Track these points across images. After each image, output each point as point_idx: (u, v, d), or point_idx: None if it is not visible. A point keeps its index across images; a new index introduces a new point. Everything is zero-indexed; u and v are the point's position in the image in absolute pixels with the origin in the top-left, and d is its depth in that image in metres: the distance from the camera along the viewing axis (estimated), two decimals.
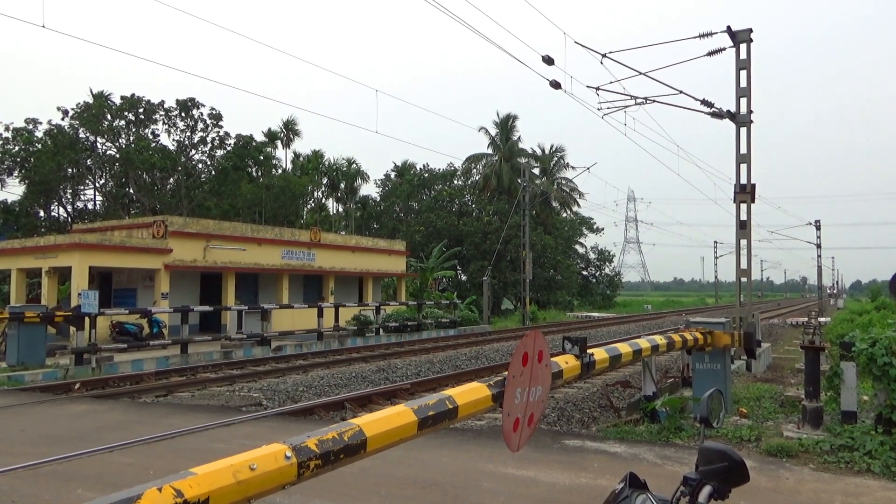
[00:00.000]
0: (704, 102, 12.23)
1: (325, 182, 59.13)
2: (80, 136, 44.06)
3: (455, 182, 55.84)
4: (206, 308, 21.26)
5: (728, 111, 11.55)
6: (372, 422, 2.53)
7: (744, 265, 11.32)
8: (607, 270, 67.59)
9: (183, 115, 46.43)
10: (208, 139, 47.85)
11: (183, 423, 8.30)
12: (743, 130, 11.20)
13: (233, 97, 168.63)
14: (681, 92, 12.67)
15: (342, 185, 59.32)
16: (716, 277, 78.51)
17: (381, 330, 25.25)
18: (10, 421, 8.75)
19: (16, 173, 42.88)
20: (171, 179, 47.93)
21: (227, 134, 48.36)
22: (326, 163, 58.92)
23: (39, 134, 43.05)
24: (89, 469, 6.14)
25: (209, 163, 49.06)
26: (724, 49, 11.82)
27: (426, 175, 58.24)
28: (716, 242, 69.54)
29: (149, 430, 7.71)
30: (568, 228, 57.40)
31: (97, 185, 47.22)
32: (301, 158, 58.71)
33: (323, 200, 61.43)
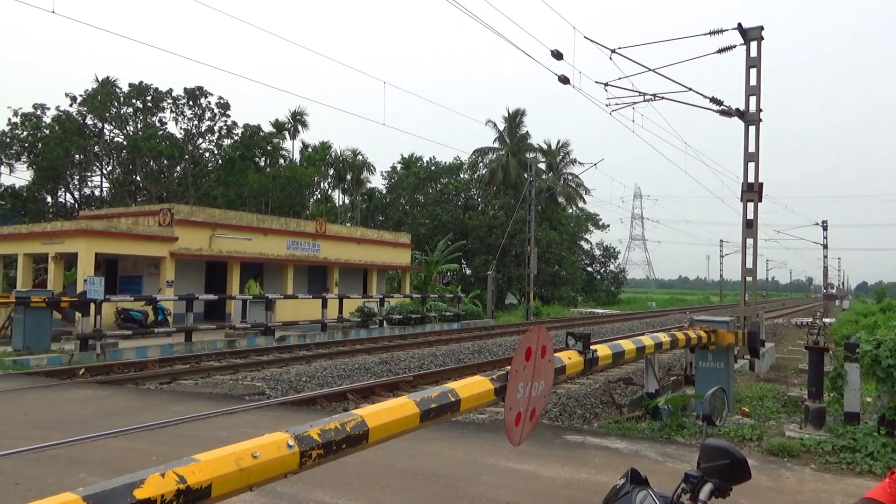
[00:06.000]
0: (713, 100, 12.18)
1: (331, 173, 59.14)
2: (88, 122, 44.20)
3: (461, 176, 55.75)
4: (211, 296, 21.33)
5: (737, 109, 11.50)
6: (374, 413, 2.53)
7: (749, 264, 11.29)
8: (612, 267, 67.47)
9: (191, 103, 46.49)
10: (216, 128, 47.95)
11: (186, 410, 8.34)
12: (751, 129, 11.15)
13: (241, 87, 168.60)
14: (690, 89, 12.62)
15: (348, 177, 59.31)
16: (721, 276, 78.41)
17: (384, 322, 25.27)
18: (15, 405, 8.81)
19: (24, 158, 43.07)
20: (178, 168, 48.06)
21: (234, 123, 48.47)
22: (333, 154, 58.93)
23: (47, 120, 43.22)
24: (93, 454, 6.18)
25: (216, 152, 49.16)
26: (735, 46, 11.77)
27: (432, 168, 58.17)
28: (721, 241, 69.35)
29: (152, 417, 7.75)
30: (573, 224, 57.27)
31: (104, 171, 47.39)
32: (308, 149, 58.74)
33: (329, 192, 61.49)
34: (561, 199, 54.72)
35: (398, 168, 62.29)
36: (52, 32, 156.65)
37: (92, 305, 15.72)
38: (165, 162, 46.17)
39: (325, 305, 22.62)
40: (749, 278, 11.37)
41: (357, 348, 17.77)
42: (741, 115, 11.30)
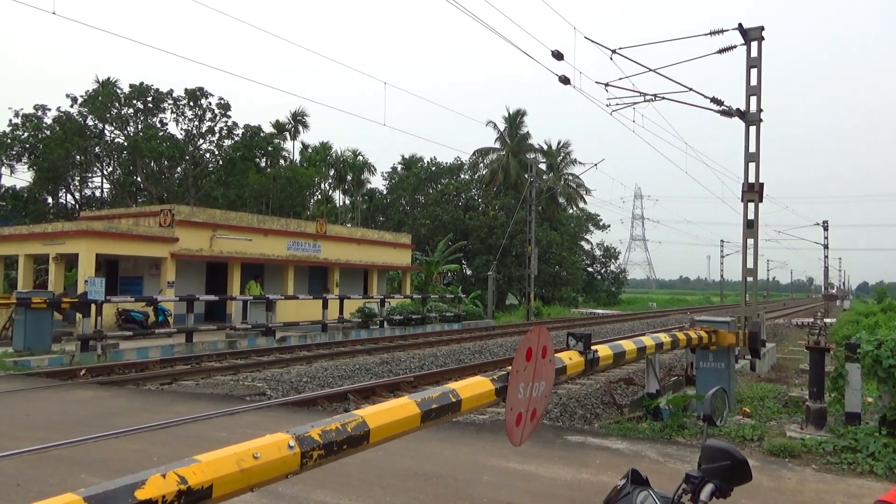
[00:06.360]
0: (714, 100, 12.18)
1: (332, 174, 59.19)
2: (89, 123, 44.21)
3: (462, 176, 55.77)
4: (212, 297, 21.34)
5: (737, 109, 11.49)
6: (375, 413, 2.53)
7: (750, 264, 11.27)
8: (613, 267, 67.47)
9: (191, 104, 46.50)
10: (216, 129, 47.95)
11: (187, 410, 8.34)
12: (752, 129, 11.14)
13: (241, 87, 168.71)
14: (690, 89, 12.62)
15: (349, 178, 59.34)
16: (721, 276, 78.36)
17: (385, 322, 25.28)
18: (16, 406, 8.81)
19: (24, 159, 43.09)
20: (179, 168, 48.07)
21: (235, 124, 48.46)
22: (334, 154, 58.98)
23: (48, 121, 43.23)
24: (94, 454, 6.18)
25: (217, 152, 49.16)
26: (735, 47, 11.77)
27: (433, 168, 58.18)
28: (722, 241, 69.27)
29: (153, 418, 7.76)
30: (574, 224, 57.27)
31: (105, 172, 47.41)
32: (309, 150, 58.77)
33: (330, 192, 61.54)
34: (561, 200, 54.74)
35: (399, 168, 62.34)
36: (53, 33, 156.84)
37: (93, 306, 15.73)
38: (166, 163, 46.18)
39: (325, 306, 22.64)
40: (750, 278, 11.36)
41: (358, 349, 17.77)
42: (742, 115, 11.29)
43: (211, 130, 47.91)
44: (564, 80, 14.09)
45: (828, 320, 29.49)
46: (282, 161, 53.58)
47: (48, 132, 42.36)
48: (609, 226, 65.59)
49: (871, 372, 7.22)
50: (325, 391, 11.13)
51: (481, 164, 53.85)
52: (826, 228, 46.66)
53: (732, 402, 8.89)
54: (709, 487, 1.69)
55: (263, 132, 50.49)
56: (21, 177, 44.55)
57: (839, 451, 6.61)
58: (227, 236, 25.72)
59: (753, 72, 11.13)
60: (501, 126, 52.00)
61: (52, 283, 22.68)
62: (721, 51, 12.05)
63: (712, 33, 11.77)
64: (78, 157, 43.71)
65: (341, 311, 24.03)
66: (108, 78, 44.38)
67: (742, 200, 11.12)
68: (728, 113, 11.79)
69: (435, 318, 27.98)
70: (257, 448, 2.01)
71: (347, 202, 62.94)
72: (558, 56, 13.15)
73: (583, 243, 60.99)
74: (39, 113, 43.26)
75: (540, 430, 7.22)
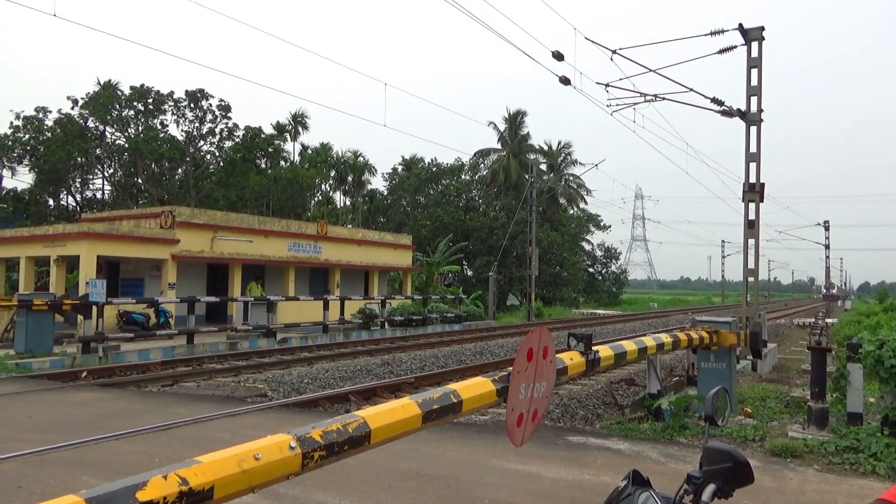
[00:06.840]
0: (714, 100, 12.16)
1: (332, 175, 59.16)
2: (90, 125, 44.24)
3: (462, 177, 55.79)
4: (213, 299, 21.33)
5: (738, 109, 11.48)
6: (376, 414, 2.53)
7: (751, 265, 11.26)
8: (613, 268, 67.46)
9: (192, 105, 46.53)
10: (217, 130, 47.98)
11: (188, 412, 8.34)
12: (753, 129, 11.13)
13: (242, 89, 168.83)
14: (691, 90, 12.61)
15: (349, 178, 59.33)
16: (722, 277, 78.21)
17: (386, 323, 25.28)
18: (18, 407, 8.82)
19: (26, 162, 43.14)
20: (180, 170, 48.11)
21: (235, 125, 48.48)
22: (334, 155, 58.98)
23: (49, 123, 43.28)
24: (95, 456, 6.19)
25: (217, 154, 49.18)
26: (736, 47, 11.75)
27: (434, 169, 58.20)
28: (723, 241, 69.13)
29: (154, 419, 7.76)
30: (575, 225, 57.26)
31: (106, 174, 47.43)
32: (309, 151, 58.77)
33: (330, 193, 61.50)
34: (562, 200, 54.72)
35: (399, 169, 62.33)
36: (54, 35, 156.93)
37: (94, 308, 15.74)
38: (167, 164, 46.21)
39: (326, 307, 22.64)
40: (751, 279, 11.35)
41: (359, 350, 17.76)
42: (742, 115, 11.28)
43: (211, 132, 47.94)
44: (565, 81, 14.09)
45: (829, 320, 29.44)
46: (282, 162, 53.59)
47: (49, 134, 42.40)
48: (610, 226, 65.77)
49: (873, 372, 7.22)
50: (326, 392, 11.13)
51: (482, 165, 53.85)
52: (827, 228, 46.65)
53: (734, 403, 8.87)
54: (710, 488, 1.69)
55: (264, 133, 50.51)
56: (22, 179, 44.66)
57: (841, 452, 6.60)
58: (227, 238, 25.73)
59: (754, 72, 11.11)
60: (502, 127, 52.05)
61: (53, 285, 22.67)
62: (721, 51, 12.04)
63: (713, 33, 11.76)
64: (79, 158, 43.75)
65: (342, 313, 24.02)
66: (109, 80, 44.42)
67: (743, 200, 11.11)
68: (729, 113, 11.78)
69: (436, 318, 27.97)
70: (258, 449, 2.01)
71: (348, 203, 62.93)
72: (559, 57, 13.15)
73: (584, 244, 61.00)
74: (40, 115, 43.33)
75: (541, 431, 7.22)
